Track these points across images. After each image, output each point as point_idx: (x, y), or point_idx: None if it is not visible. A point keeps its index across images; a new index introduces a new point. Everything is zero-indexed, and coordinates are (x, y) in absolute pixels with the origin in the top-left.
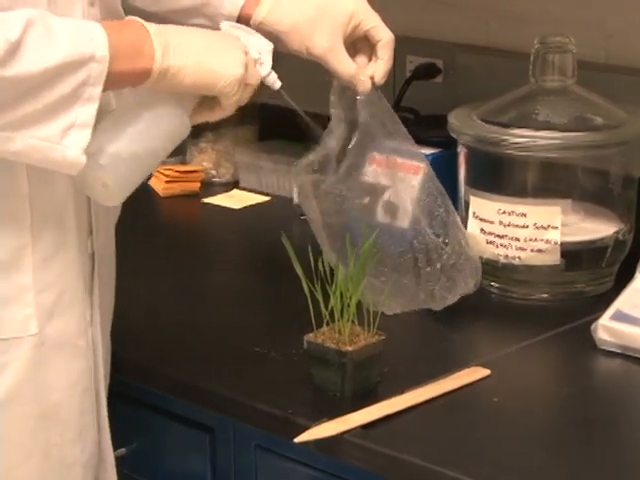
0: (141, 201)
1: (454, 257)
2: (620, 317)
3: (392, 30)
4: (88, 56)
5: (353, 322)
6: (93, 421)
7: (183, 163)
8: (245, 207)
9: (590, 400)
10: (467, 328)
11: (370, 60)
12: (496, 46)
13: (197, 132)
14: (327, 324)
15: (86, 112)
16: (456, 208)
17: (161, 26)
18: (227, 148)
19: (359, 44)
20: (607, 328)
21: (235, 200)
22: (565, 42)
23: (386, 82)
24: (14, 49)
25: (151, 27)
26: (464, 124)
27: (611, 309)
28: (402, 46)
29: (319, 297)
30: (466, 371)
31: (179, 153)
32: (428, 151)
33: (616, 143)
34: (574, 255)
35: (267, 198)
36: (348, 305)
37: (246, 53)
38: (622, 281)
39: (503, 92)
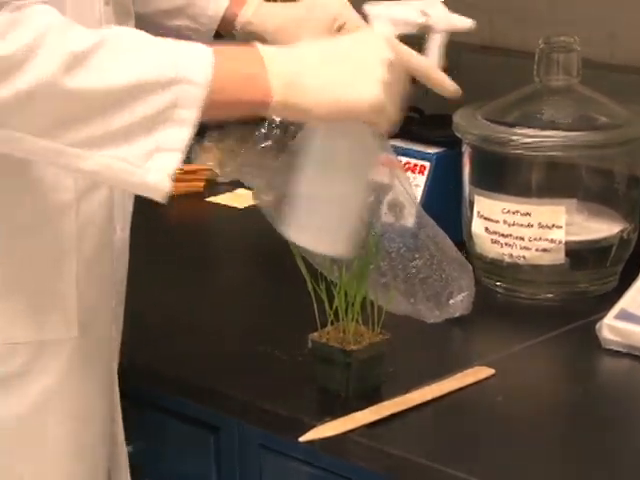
0: (144, 200)
1: (425, 271)
2: (625, 316)
3: None
4: (171, 78)
5: (357, 321)
6: (113, 426)
7: (187, 162)
8: (249, 206)
9: (595, 400)
10: (471, 327)
11: None
12: (501, 45)
13: (202, 131)
14: (331, 323)
15: (175, 135)
16: (461, 208)
17: (280, 52)
18: (232, 147)
19: None
20: (612, 327)
21: (240, 199)
22: (570, 42)
23: None
24: (78, 61)
25: (267, 54)
26: (469, 123)
27: (616, 308)
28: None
29: (323, 296)
30: (470, 370)
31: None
32: (432, 150)
33: (621, 142)
34: (578, 254)
35: None
36: (352, 304)
37: (384, 61)
38: (627, 280)
39: (508, 91)
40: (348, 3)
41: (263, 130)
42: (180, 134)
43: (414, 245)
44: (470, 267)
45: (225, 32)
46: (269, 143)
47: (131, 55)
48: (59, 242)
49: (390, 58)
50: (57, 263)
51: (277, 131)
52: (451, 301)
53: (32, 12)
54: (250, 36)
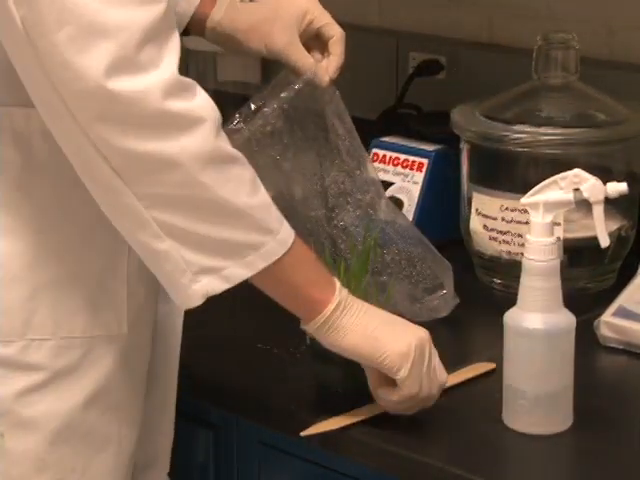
0: None
1: (393, 268)
2: (623, 313)
3: (395, 27)
4: (272, 228)
5: None
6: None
7: None
8: None
9: (593, 396)
10: (470, 324)
11: (323, 57)
12: (499, 42)
13: None
14: None
15: (236, 272)
16: (459, 205)
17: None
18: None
19: (310, 43)
20: (610, 325)
21: None
22: (568, 38)
23: (389, 79)
24: (220, 163)
25: (339, 282)
26: (467, 120)
27: (614, 305)
28: (405, 42)
29: None
30: (471, 366)
31: None
32: (431, 147)
33: (619, 140)
34: (576, 251)
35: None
36: None
37: (423, 345)
38: (624, 277)
39: (506, 88)
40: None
41: (238, 116)
42: (240, 273)
43: (382, 240)
44: (450, 266)
45: (195, 31)
46: (240, 126)
47: (254, 187)
48: (114, 241)
49: (426, 338)
50: (111, 262)
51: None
52: (427, 300)
53: (202, 92)
54: (221, 37)
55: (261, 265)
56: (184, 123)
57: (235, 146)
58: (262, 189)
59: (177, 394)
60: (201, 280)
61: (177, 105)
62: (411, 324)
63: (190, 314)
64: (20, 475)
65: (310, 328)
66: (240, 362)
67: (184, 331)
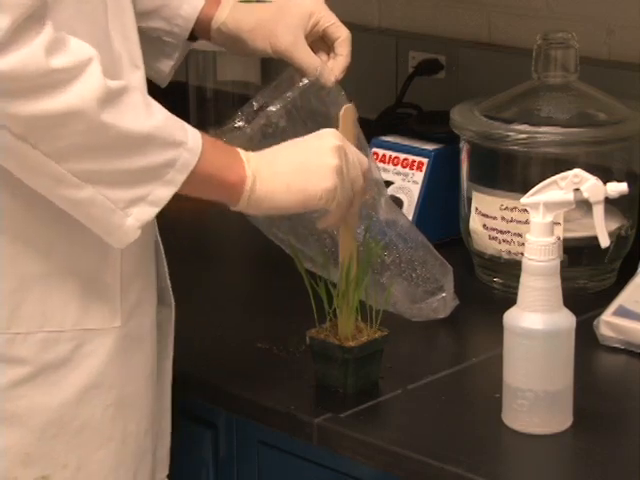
0: None
1: (393, 269)
2: (622, 313)
3: (395, 26)
4: (179, 140)
5: (356, 318)
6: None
7: None
8: None
9: (593, 396)
10: (469, 324)
11: (329, 58)
12: (498, 42)
13: (200, 128)
14: (330, 320)
15: (162, 193)
16: (459, 204)
17: (253, 153)
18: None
19: (316, 44)
20: (609, 324)
21: None
22: (567, 38)
23: (388, 78)
24: (111, 98)
25: (243, 151)
26: (467, 120)
27: (613, 305)
28: (404, 42)
29: (322, 293)
30: None
31: None
32: (430, 147)
33: (618, 139)
34: (576, 251)
35: None
36: (351, 301)
37: (339, 149)
38: (624, 277)
39: (505, 88)
40: (322, 1)
41: (240, 114)
42: (165, 193)
43: (383, 242)
44: (450, 269)
45: (201, 34)
46: (242, 124)
47: (148, 108)
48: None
49: (339, 144)
50: (104, 255)
51: (252, 115)
52: (426, 302)
53: (74, 39)
54: (227, 38)
55: (181, 178)
56: (74, 73)
57: (236, 145)
58: (156, 105)
59: (177, 394)
60: (131, 213)
61: (62, 60)
62: (320, 150)
63: (190, 314)
64: (5, 469)
65: (240, 208)
66: (240, 362)
67: (184, 331)
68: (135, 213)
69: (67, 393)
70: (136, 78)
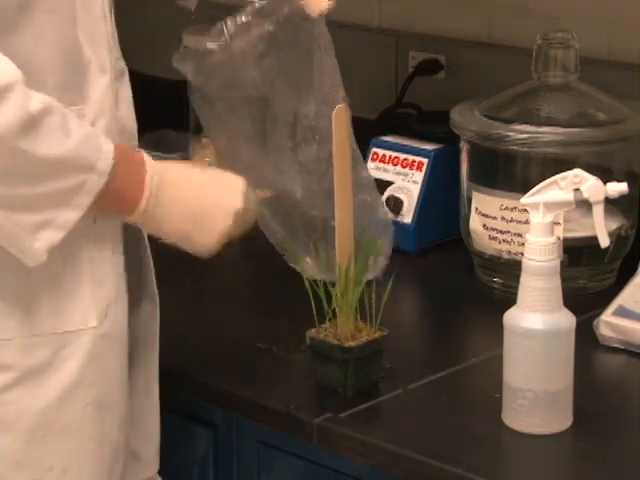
0: None
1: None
2: (622, 313)
3: (395, 26)
4: (90, 164)
5: (355, 318)
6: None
7: (186, 159)
8: None
9: (592, 396)
10: (469, 324)
11: None
12: (499, 42)
13: (200, 128)
14: (329, 320)
15: (67, 217)
16: (459, 204)
17: (160, 164)
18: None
19: None
20: (609, 324)
21: None
22: (567, 38)
23: (388, 78)
24: (32, 124)
25: (150, 162)
26: (467, 120)
27: (613, 305)
28: (405, 42)
29: (321, 293)
30: None
31: (182, 149)
32: (430, 147)
33: (618, 139)
34: (576, 251)
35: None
36: (350, 301)
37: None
38: (624, 277)
39: (505, 88)
40: None
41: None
42: (72, 216)
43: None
44: (391, 228)
45: None
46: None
47: (65, 130)
48: (76, 233)
49: (240, 208)
50: (74, 256)
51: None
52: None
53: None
54: None
55: (87, 201)
56: None
57: (218, 61)
58: (74, 123)
59: (177, 395)
60: (39, 237)
61: None
62: (223, 201)
63: (190, 314)
64: (0, 474)
65: (134, 219)
66: (240, 362)
67: (184, 331)
68: (43, 237)
69: (50, 395)
70: (103, 82)
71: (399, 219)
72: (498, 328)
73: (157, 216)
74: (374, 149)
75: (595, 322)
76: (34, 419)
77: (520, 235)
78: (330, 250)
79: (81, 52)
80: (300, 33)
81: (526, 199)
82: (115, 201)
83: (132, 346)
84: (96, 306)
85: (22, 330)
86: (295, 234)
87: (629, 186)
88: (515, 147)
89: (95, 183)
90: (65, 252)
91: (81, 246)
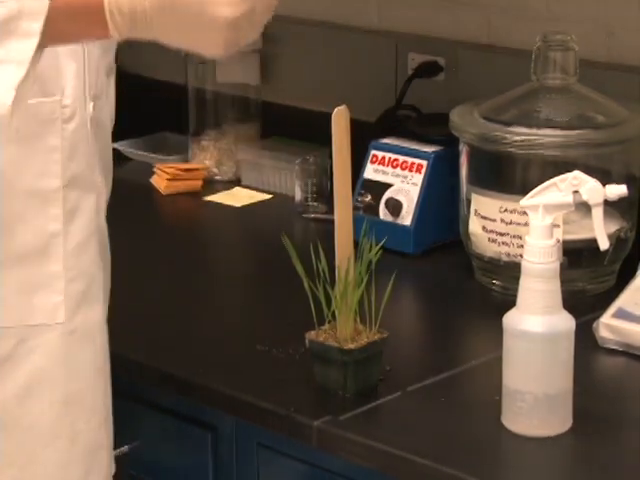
0: (143, 199)
1: None
2: (622, 315)
3: (394, 28)
4: None
5: (355, 320)
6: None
7: (185, 161)
8: (247, 205)
9: (592, 398)
10: (469, 326)
11: None
12: (498, 44)
13: (199, 130)
14: (329, 322)
15: (20, 47)
16: (458, 207)
17: None
18: (229, 146)
19: None
20: (609, 326)
21: (237, 198)
22: (567, 40)
23: (388, 80)
24: None
25: None
26: (466, 122)
27: (613, 307)
28: (404, 44)
29: (320, 295)
30: None
31: (181, 151)
32: (430, 149)
33: (618, 141)
34: (576, 253)
35: (269, 196)
36: (350, 303)
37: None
38: (624, 279)
39: (505, 90)
40: None
41: None
42: (25, 46)
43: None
44: None
45: None
46: None
47: None
48: (47, 228)
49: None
50: (44, 249)
51: None
52: None
53: None
54: None
55: (37, 26)
56: None
57: None
58: None
59: (176, 396)
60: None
61: None
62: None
63: (189, 316)
64: None
65: (123, 35)
66: (240, 364)
67: (184, 333)
68: (1, 75)
69: (12, 390)
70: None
71: (398, 221)
72: (497, 330)
73: (138, 25)
74: (373, 151)
75: (595, 324)
76: None
77: (519, 237)
78: None
79: None
80: None
81: (525, 201)
82: (83, 18)
83: None
84: (67, 300)
85: None
86: None
87: (628, 188)
88: (514, 149)
89: (37, 5)
90: (38, 247)
91: (54, 243)
